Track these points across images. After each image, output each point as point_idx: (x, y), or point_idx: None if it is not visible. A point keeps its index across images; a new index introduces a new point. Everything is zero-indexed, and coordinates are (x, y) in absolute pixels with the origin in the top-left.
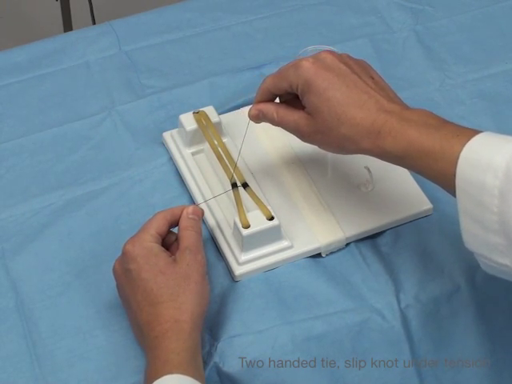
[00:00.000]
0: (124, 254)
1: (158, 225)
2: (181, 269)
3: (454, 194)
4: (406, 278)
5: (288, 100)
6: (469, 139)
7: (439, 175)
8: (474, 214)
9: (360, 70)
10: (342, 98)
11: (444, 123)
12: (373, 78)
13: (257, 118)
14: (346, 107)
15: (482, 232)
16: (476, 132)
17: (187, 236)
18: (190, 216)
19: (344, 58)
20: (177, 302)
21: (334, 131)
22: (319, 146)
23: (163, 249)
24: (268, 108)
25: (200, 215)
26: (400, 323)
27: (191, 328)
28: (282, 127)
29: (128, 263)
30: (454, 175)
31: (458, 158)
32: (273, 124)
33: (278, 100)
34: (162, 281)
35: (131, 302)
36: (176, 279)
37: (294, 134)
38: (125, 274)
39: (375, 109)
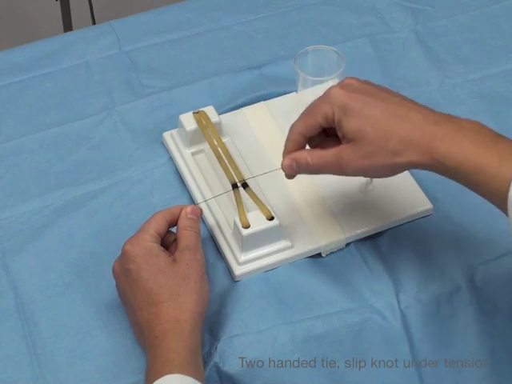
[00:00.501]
0: (123, 253)
1: (157, 225)
2: (180, 268)
3: (502, 208)
4: (406, 278)
5: (318, 144)
6: None
7: (494, 193)
8: None
9: (385, 89)
10: (382, 114)
11: (498, 136)
12: (398, 93)
13: (290, 168)
14: (390, 121)
15: None
16: None
17: (186, 236)
18: (189, 216)
19: (367, 81)
20: (177, 301)
21: (382, 150)
22: (366, 174)
23: (163, 249)
24: (299, 155)
25: (199, 215)
26: (400, 323)
27: (191, 327)
28: (321, 169)
29: (127, 263)
30: (507, 191)
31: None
32: (309, 172)
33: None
34: (162, 280)
35: (131, 302)
36: (176, 279)
37: (335, 170)
38: (124, 274)
39: (420, 119)
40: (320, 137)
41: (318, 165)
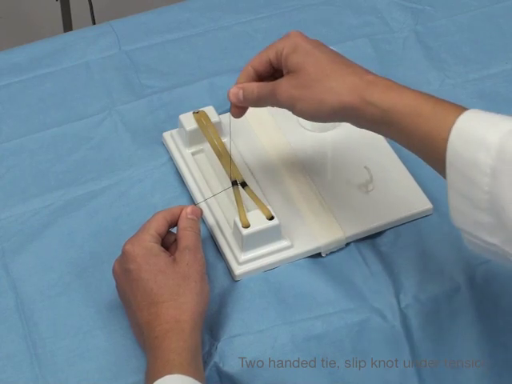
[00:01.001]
0: (124, 254)
1: (158, 225)
2: (180, 269)
3: (437, 166)
4: (405, 278)
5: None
6: (462, 112)
7: (427, 139)
8: (464, 190)
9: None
10: (329, 59)
11: (436, 98)
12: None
13: (236, 96)
14: (334, 66)
15: (471, 210)
16: (463, 108)
17: (186, 236)
18: (189, 216)
19: None
20: (177, 301)
21: (316, 84)
22: (295, 106)
23: (163, 249)
24: (249, 85)
25: (199, 215)
26: (400, 323)
27: (192, 328)
28: (261, 99)
29: (128, 263)
30: (445, 147)
31: (450, 128)
32: (253, 103)
33: None
34: (162, 281)
35: (131, 302)
36: (176, 279)
37: (272, 100)
38: (124, 274)
39: (364, 71)
40: (273, 78)
41: (259, 94)
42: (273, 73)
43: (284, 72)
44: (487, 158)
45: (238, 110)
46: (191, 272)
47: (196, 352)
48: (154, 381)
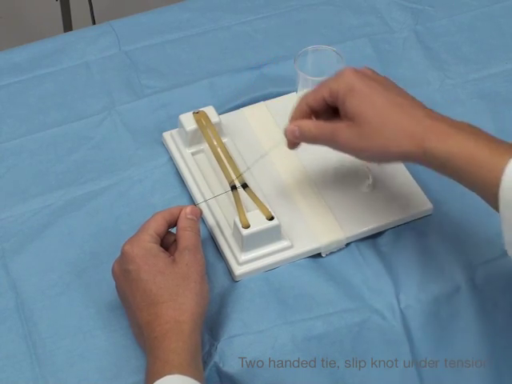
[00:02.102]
0: (123, 254)
1: (157, 225)
2: (180, 269)
3: (493, 204)
4: (406, 278)
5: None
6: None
7: (483, 179)
8: None
9: (395, 85)
10: (387, 103)
11: (492, 136)
12: (407, 93)
13: (293, 133)
14: (392, 110)
15: None
16: None
17: (186, 236)
18: (189, 216)
19: (377, 73)
20: (177, 302)
21: (377, 134)
22: (358, 155)
23: (162, 249)
24: (305, 123)
25: (198, 215)
26: (400, 323)
27: (191, 328)
28: (319, 139)
29: (127, 264)
30: (498, 185)
31: (504, 168)
32: (310, 141)
33: None
34: (162, 281)
35: (131, 303)
36: (175, 279)
37: (330, 144)
38: (124, 275)
39: (422, 115)
40: (328, 114)
41: (317, 134)
42: (327, 108)
43: (341, 113)
44: None
45: (294, 144)
46: (191, 272)
47: (196, 352)
48: (154, 381)
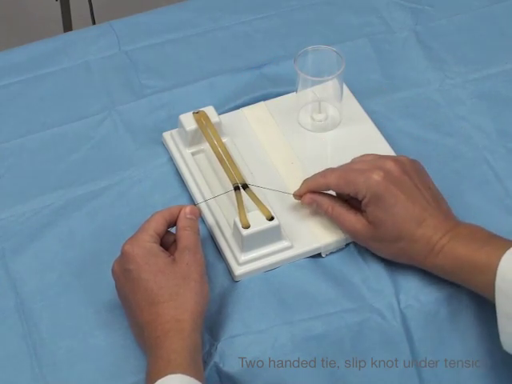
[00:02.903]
0: (123, 254)
1: (157, 225)
2: (180, 268)
3: (485, 293)
4: (405, 279)
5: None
6: (508, 248)
7: (485, 286)
8: None
9: (419, 180)
10: (406, 215)
11: (492, 237)
12: (430, 189)
13: (310, 204)
14: (409, 224)
15: None
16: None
17: (185, 236)
18: (188, 216)
19: (406, 166)
20: (177, 301)
21: (392, 244)
22: (372, 249)
23: (162, 249)
24: (323, 201)
25: (198, 215)
26: (400, 323)
27: (192, 327)
28: (337, 223)
29: (127, 263)
30: (494, 276)
31: (499, 261)
32: (326, 215)
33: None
34: (162, 280)
35: (131, 302)
36: (175, 279)
37: (348, 233)
38: (124, 275)
39: (432, 226)
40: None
41: (336, 219)
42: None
43: (362, 207)
44: None
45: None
46: (191, 272)
47: (196, 351)
48: (156, 380)
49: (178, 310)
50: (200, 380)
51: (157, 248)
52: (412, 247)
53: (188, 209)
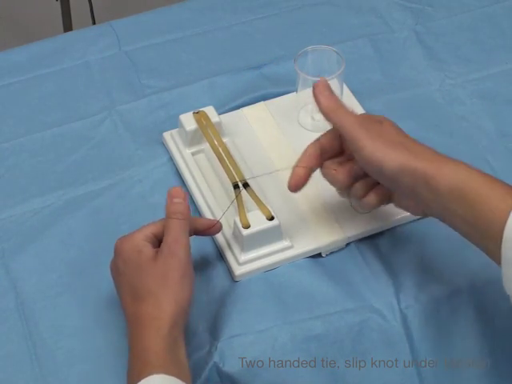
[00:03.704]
0: (114, 249)
1: (156, 227)
2: (158, 267)
3: (491, 245)
4: (406, 279)
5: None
6: None
7: (488, 219)
8: None
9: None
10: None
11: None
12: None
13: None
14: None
15: None
16: None
17: (171, 227)
18: (176, 200)
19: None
20: (156, 299)
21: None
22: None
23: (149, 245)
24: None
25: (184, 196)
26: (400, 323)
27: (170, 326)
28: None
29: (116, 258)
30: (504, 223)
31: (505, 222)
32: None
33: None
34: (142, 278)
35: (120, 298)
36: (154, 277)
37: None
38: (114, 270)
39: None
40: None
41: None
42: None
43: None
44: None
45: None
46: (169, 270)
47: (175, 350)
48: (136, 381)
49: (156, 309)
50: (183, 378)
51: (143, 244)
52: (404, 154)
53: (173, 192)
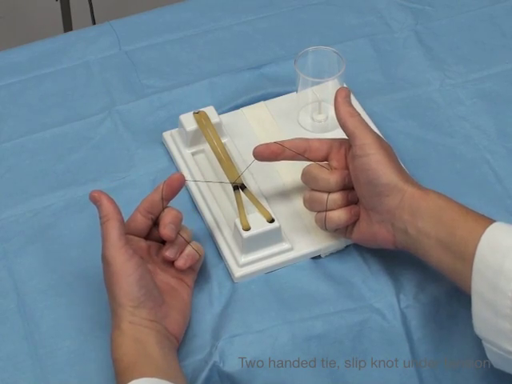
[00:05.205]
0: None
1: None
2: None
3: (462, 275)
4: (406, 279)
5: None
6: (490, 223)
7: (460, 249)
8: (488, 297)
9: None
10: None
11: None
12: None
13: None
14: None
15: (493, 317)
16: (492, 220)
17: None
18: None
19: None
20: (111, 293)
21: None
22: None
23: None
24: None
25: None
26: (400, 323)
27: (123, 314)
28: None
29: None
30: (473, 255)
31: (480, 237)
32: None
33: None
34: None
35: None
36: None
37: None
38: None
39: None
40: None
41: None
42: None
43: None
44: None
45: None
46: (107, 274)
47: (143, 353)
48: None
49: (114, 300)
50: (161, 375)
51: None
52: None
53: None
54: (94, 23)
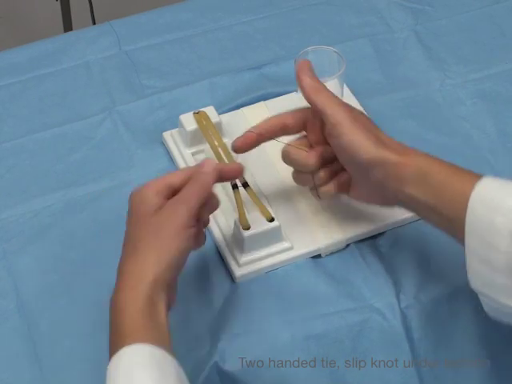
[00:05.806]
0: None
1: (174, 178)
2: (155, 220)
3: (456, 232)
4: (406, 278)
5: None
6: (479, 179)
7: (450, 211)
8: (482, 253)
9: None
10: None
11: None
12: None
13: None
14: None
15: (488, 272)
16: (480, 175)
17: (184, 188)
18: (203, 169)
19: None
20: (141, 254)
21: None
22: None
23: (155, 197)
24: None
25: (210, 169)
26: (400, 323)
27: (150, 286)
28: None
29: (128, 210)
30: (465, 211)
31: (470, 193)
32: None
33: None
34: (137, 231)
35: None
36: (147, 231)
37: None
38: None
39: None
40: None
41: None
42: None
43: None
44: (505, 220)
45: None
46: (163, 227)
47: (152, 312)
48: (112, 353)
49: (138, 266)
50: (160, 342)
51: (148, 196)
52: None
53: (205, 164)
54: (94, 23)
